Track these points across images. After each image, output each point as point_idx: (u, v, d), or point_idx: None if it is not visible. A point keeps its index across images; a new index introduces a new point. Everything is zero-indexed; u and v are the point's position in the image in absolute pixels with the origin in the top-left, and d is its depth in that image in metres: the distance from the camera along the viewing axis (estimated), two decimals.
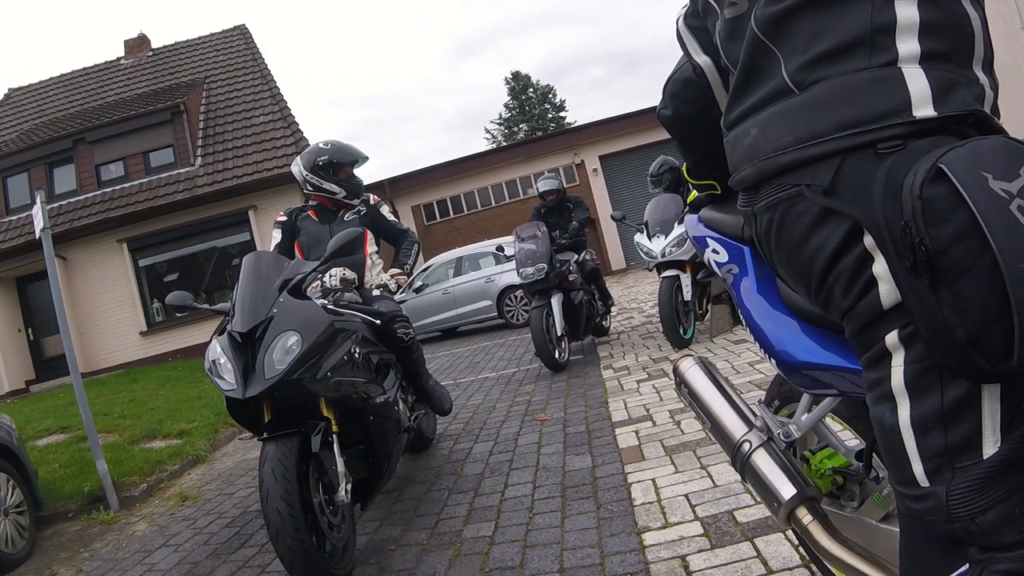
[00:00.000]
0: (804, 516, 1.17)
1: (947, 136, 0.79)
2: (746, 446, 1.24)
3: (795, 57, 0.87)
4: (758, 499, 2.23)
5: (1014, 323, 0.72)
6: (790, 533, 1.94)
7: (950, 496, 0.79)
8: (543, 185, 6.64)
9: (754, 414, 1.31)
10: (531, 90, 40.89)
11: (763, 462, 1.22)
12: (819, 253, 0.88)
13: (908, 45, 0.81)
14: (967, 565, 0.80)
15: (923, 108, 0.80)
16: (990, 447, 0.78)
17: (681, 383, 1.40)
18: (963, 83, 0.82)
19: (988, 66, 0.86)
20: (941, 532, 0.81)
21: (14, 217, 12.89)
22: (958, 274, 0.75)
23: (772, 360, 1.15)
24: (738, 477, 2.45)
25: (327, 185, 3.51)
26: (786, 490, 1.18)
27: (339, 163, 3.53)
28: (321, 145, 3.61)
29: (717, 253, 1.26)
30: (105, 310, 12.64)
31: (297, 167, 3.58)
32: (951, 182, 0.74)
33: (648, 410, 3.80)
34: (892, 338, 0.84)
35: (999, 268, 0.72)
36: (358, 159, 3.63)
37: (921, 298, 0.78)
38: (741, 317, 1.24)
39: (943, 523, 0.81)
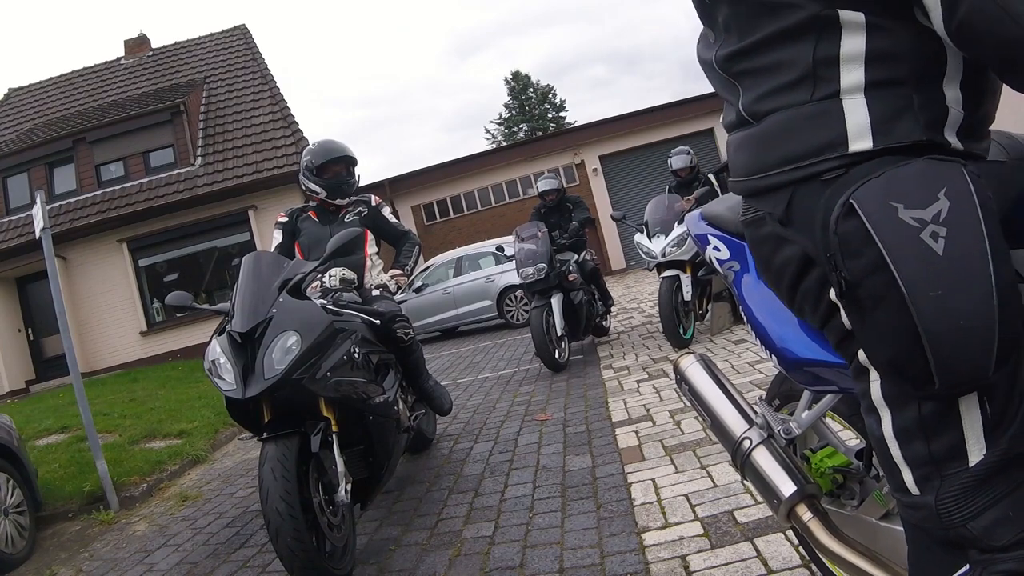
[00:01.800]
0: (804, 513, 1.17)
1: (890, 157, 0.79)
2: (746, 443, 1.24)
3: (750, 91, 0.89)
4: (758, 499, 2.23)
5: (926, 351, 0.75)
6: (790, 533, 1.94)
7: (939, 504, 0.80)
8: (543, 185, 6.64)
9: (754, 411, 1.31)
10: (531, 90, 40.90)
11: (763, 459, 1.22)
12: (784, 274, 0.91)
13: (852, 76, 0.80)
14: (967, 566, 0.80)
15: (859, 141, 0.79)
16: (976, 454, 0.79)
17: (682, 380, 1.41)
18: (915, 108, 0.79)
19: (967, 82, 0.81)
20: (939, 537, 0.83)
21: (14, 217, 12.89)
22: (873, 305, 0.79)
23: (773, 357, 1.15)
24: (738, 477, 2.45)
25: (311, 185, 3.53)
26: (786, 487, 1.18)
27: (321, 163, 3.51)
28: (311, 145, 3.64)
29: (719, 250, 1.26)
30: (105, 310, 12.63)
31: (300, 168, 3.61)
32: (861, 217, 0.76)
33: (648, 410, 3.79)
34: (863, 355, 0.86)
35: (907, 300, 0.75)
36: (336, 156, 3.52)
37: (856, 324, 0.82)
38: (742, 314, 1.24)
39: (938, 530, 0.82)
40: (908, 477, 0.84)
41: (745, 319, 1.23)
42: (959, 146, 0.80)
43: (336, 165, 3.53)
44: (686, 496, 2.47)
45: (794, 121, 0.83)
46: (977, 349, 0.74)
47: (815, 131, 0.82)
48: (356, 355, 2.68)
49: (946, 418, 0.80)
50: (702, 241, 1.31)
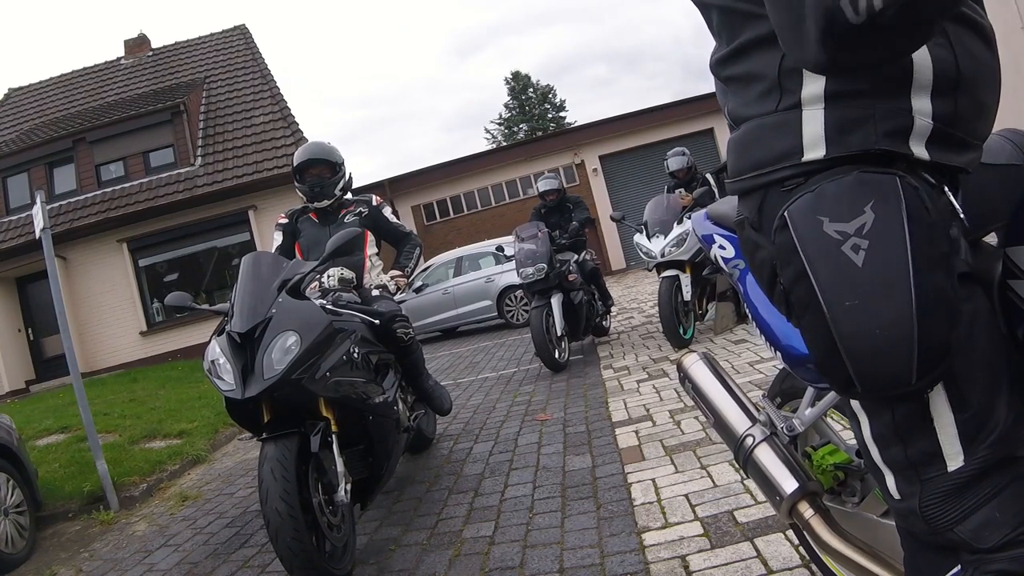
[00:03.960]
0: (806, 510, 1.17)
1: (844, 167, 0.80)
2: (749, 440, 1.25)
3: (734, 97, 0.92)
4: (758, 499, 2.23)
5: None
6: (790, 533, 1.94)
7: (923, 508, 0.81)
8: (543, 185, 6.64)
9: (757, 409, 1.31)
10: (531, 90, 40.92)
11: (766, 456, 1.22)
12: (763, 276, 0.93)
13: (813, 87, 0.81)
14: (959, 567, 0.81)
15: (813, 150, 0.81)
16: (955, 461, 0.79)
17: (685, 378, 1.41)
18: (876, 118, 0.79)
19: (940, 91, 0.79)
20: (928, 541, 0.84)
21: (14, 217, 12.89)
22: (801, 311, 0.84)
23: (778, 353, 1.16)
24: (738, 477, 2.46)
25: (297, 188, 3.54)
26: (788, 484, 1.18)
27: (297, 165, 3.53)
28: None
29: (724, 249, 1.27)
30: (105, 310, 12.63)
31: None
32: (790, 229, 0.81)
33: (648, 410, 3.79)
34: None
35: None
36: (309, 159, 3.48)
37: (798, 328, 0.87)
38: (747, 311, 1.24)
39: (927, 534, 0.83)
40: (890, 481, 0.86)
41: (750, 316, 1.23)
42: (925, 156, 0.80)
43: (313, 168, 3.48)
44: (686, 496, 2.47)
45: (761, 130, 0.86)
46: (895, 358, 0.76)
47: (777, 140, 0.84)
48: (356, 355, 2.67)
49: (919, 425, 0.81)
50: (707, 240, 1.31)
